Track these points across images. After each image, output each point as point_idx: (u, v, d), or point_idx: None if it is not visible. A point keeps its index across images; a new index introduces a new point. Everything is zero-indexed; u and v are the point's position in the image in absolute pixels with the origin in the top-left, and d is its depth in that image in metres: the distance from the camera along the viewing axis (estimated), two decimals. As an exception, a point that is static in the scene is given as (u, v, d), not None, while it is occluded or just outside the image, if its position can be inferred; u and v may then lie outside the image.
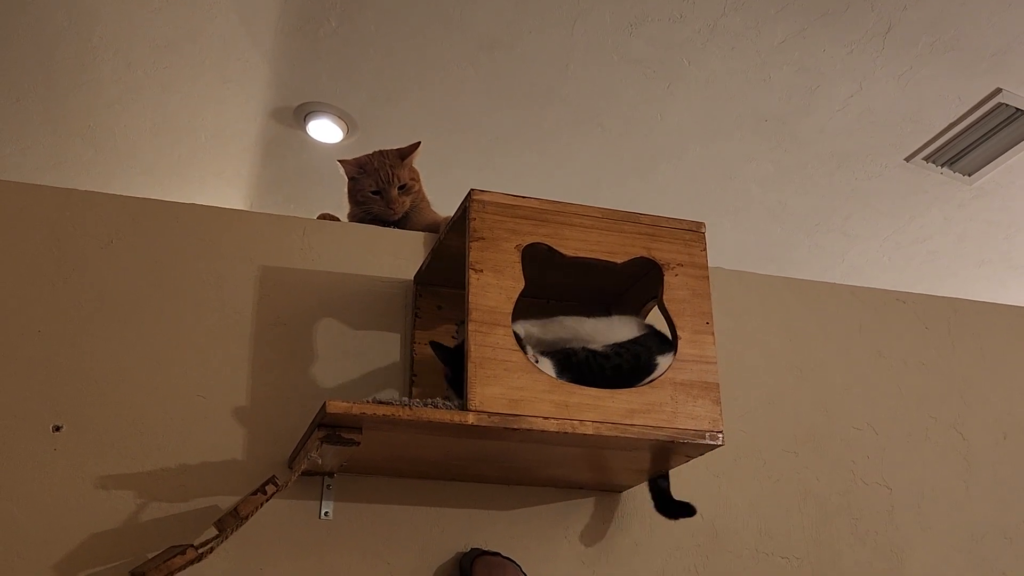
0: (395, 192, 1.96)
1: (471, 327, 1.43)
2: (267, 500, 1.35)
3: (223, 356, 1.69)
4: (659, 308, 1.57)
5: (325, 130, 3.67)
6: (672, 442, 1.47)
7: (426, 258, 1.77)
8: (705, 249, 1.62)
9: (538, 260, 1.53)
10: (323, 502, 1.63)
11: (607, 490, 1.78)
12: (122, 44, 3.19)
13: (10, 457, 1.53)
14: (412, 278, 1.83)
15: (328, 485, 1.64)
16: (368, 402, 1.36)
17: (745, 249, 3.81)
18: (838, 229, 3.90)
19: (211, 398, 1.66)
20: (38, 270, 1.67)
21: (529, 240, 1.52)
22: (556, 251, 1.53)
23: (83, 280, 1.68)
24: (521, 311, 1.49)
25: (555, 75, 3.17)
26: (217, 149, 3.77)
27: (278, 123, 3.63)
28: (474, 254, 1.48)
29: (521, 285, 1.49)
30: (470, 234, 1.49)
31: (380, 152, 1.99)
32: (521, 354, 1.45)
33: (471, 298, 1.45)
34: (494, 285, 1.47)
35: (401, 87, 3.30)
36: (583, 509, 1.77)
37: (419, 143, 1.99)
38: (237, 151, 3.76)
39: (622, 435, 1.44)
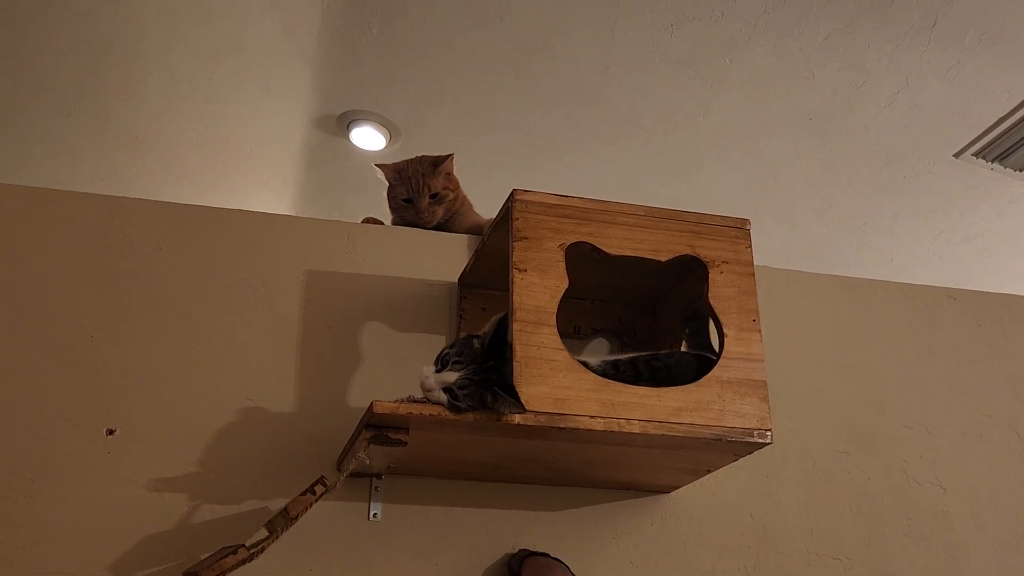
0: (426, 201, 1.96)
1: (516, 327, 1.43)
2: (316, 500, 1.36)
3: (271, 359, 1.71)
4: (705, 306, 1.56)
5: (368, 137, 3.69)
6: (720, 440, 1.45)
7: (470, 260, 1.78)
8: (751, 246, 1.60)
9: (581, 259, 1.53)
10: (372, 503, 1.64)
11: (654, 491, 1.76)
12: (167, 57, 3.24)
13: (65, 460, 1.56)
14: (456, 280, 1.83)
15: (376, 487, 1.65)
16: (415, 402, 1.37)
17: (790, 249, 3.77)
18: (886, 228, 3.84)
19: (260, 401, 1.67)
20: (90, 276, 1.70)
21: (572, 239, 1.52)
22: (600, 250, 1.53)
23: (133, 286, 1.71)
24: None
25: (595, 76, 3.16)
26: (261, 158, 3.82)
27: (321, 131, 3.67)
28: (518, 254, 1.48)
29: (565, 284, 1.48)
30: (513, 234, 1.49)
31: (416, 159, 2.00)
32: (566, 353, 1.44)
33: (515, 298, 1.45)
34: (538, 284, 1.47)
35: (442, 92, 3.31)
36: (631, 509, 1.76)
37: (451, 154, 1.99)
38: (281, 160, 3.81)
39: (669, 434, 1.43)
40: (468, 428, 1.40)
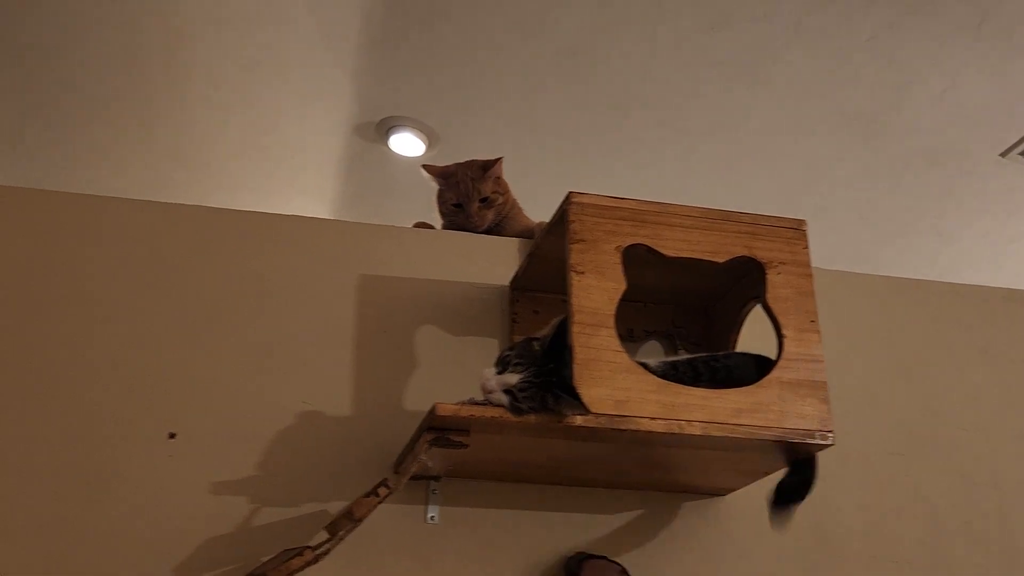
0: (476, 206, 1.97)
1: (575, 329, 1.43)
2: (380, 502, 1.37)
3: (327, 364, 1.72)
4: (762, 307, 1.55)
5: (407, 144, 3.71)
6: (781, 442, 1.45)
7: (522, 263, 1.78)
8: (807, 247, 1.59)
9: (636, 262, 1.52)
10: (429, 506, 1.64)
11: (711, 493, 1.76)
12: (210, 65, 3.28)
13: (128, 464, 1.58)
14: (508, 284, 1.84)
15: (434, 489, 1.65)
16: (476, 404, 1.37)
17: (833, 251, 3.73)
18: (930, 229, 3.81)
19: (317, 405, 1.69)
20: (146, 283, 1.72)
21: (629, 241, 1.52)
22: (656, 252, 1.53)
23: (189, 291, 1.73)
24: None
25: (637, 79, 3.16)
26: (301, 165, 3.85)
27: (361, 138, 3.69)
28: (575, 256, 1.48)
29: (623, 287, 1.48)
30: (570, 236, 1.49)
31: (465, 163, 2.00)
32: (626, 355, 1.44)
33: (574, 300, 1.45)
34: (596, 287, 1.47)
35: (482, 97, 3.32)
36: (688, 512, 1.75)
37: (500, 158, 1.99)
38: (320, 167, 3.84)
39: (729, 435, 1.42)
40: (528, 430, 1.41)
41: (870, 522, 1.80)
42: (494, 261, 1.88)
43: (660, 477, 1.66)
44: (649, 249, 1.53)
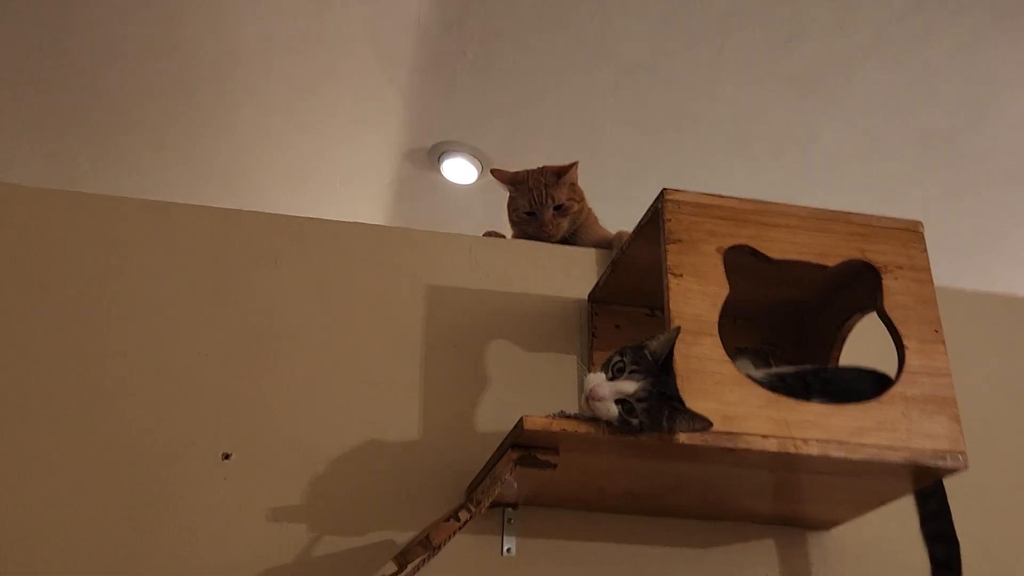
0: (549, 213, 1.84)
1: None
2: (460, 528, 1.22)
3: (393, 379, 1.59)
4: (879, 316, 1.40)
5: (459, 170, 3.61)
6: (910, 465, 1.28)
7: (603, 273, 1.64)
8: (925, 250, 1.44)
9: (730, 270, 1.38)
10: (505, 537, 1.49)
11: (815, 527, 1.59)
12: (260, 87, 3.20)
13: (181, 485, 1.45)
14: (586, 297, 1.70)
15: (510, 519, 1.50)
16: (568, 418, 1.23)
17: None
18: (1012, 254, 3.61)
19: (382, 424, 1.55)
20: (202, 292, 1.60)
21: (731, 242, 1.38)
22: (761, 254, 1.38)
23: (248, 302, 1.61)
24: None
25: (702, 97, 3.03)
26: (351, 191, 3.75)
27: (412, 164, 3.59)
28: (672, 258, 1.34)
29: (726, 291, 1.34)
30: (666, 236, 1.36)
31: (537, 169, 1.88)
32: (732, 366, 1.29)
33: (672, 305, 1.31)
34: (697, 291, 1.33)
35: (538, 119, 3.21)
36: (788, 547, 1.59)
37: (575, 163, 1.87)
38: (370, 193, 3.74)
39: (850, 456, 1.27)
40: (625, 449, 1.26)
41: (991, 560, 1.63)
42: (570, 272, 1.74)
43: (760, 506, 1.50)
44: (753, 251, 1.39)
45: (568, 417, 1.23)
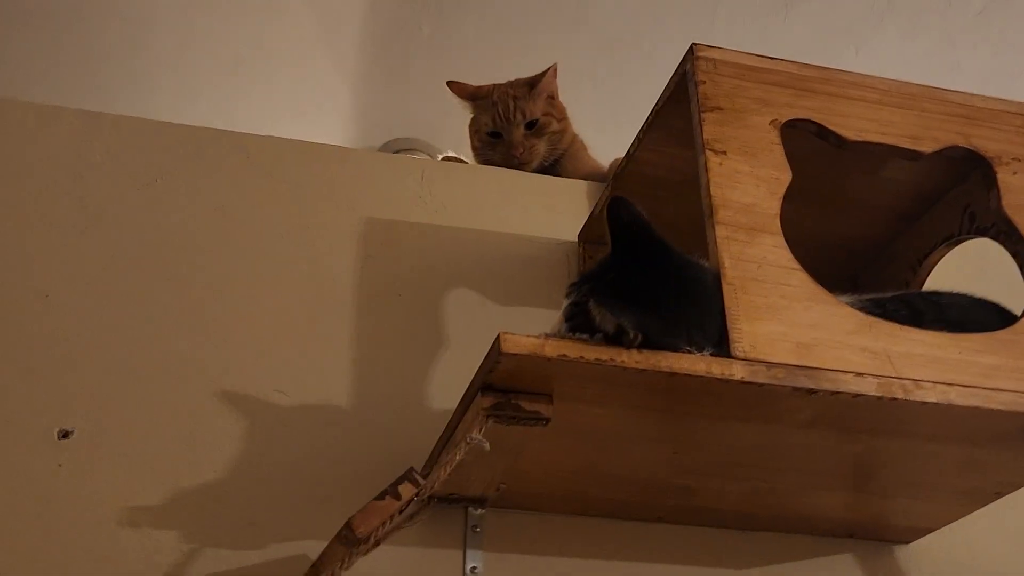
0: (520, 132, 1.42)
1: (720, 233, 0.88)
2: (402, 511, 0.78)
3: (314, 337, 1.16)
4: (994, 219, 1.01)
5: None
6: (1069, 419, 0.87)
7: (602, 195, 1.23)
8: (1048, 141, 1.05)
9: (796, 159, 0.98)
10: (468, 551, 1.05)
11: (897, 537, 1.16)
12: (178, 62, 2.77)
13: (7, 474, 0.99)
14: (576, 237, 1.29)
15: (475, 526, 1.06)
16: (573, 339, 0.80)
17: None
18: None
19: (296, 396, 1.11)
20: (48, 211, 1.16)
21: (790, 114, 0.98)
22: (832, 132, 0.98)
23: (113, 228, 1.17)
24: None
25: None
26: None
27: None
28: (710, 129, 0.94)
29: (787, 176, 0.94)
30: (700, 102, 0.96)
31: (506, 83, 1.48)
32: (805, 275, 0.88)
33: (714, 190, 0.90)
34: (747, 173, 0.92)
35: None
36: (850, 566, 1.15)
37: (552, 66, 1.47)
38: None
39: (984, 406, 0.85)
40: (654, 389, 0.83)
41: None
42: (555, 207, 1.34)
43: (831, 502, 1.07)
44: (821, 129, 0.99)
45: (569, 338, 0.81)
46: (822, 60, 2.44)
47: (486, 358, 0.80)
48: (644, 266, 0.84)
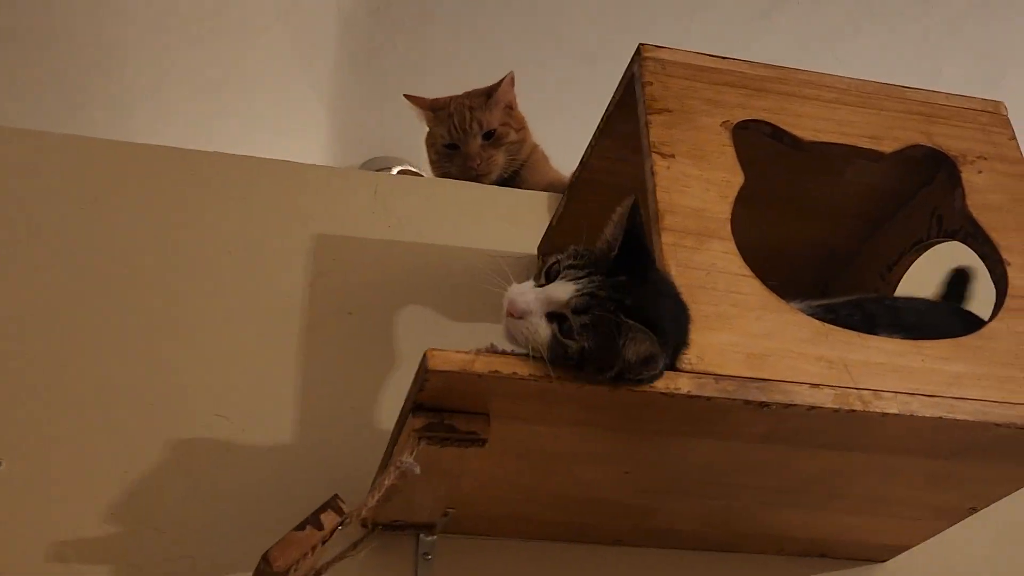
0: (477, 143, 1.38)
1: (667, 239, 0.84)
2: (324, 541, 0.73)
3: (259, 357, 1.11)
4: (959, 221, 0.96)
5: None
6: (1039, 430, 0.82)
7: (557, 209, 1.19)
8: (1015, 138, 1.02)
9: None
10: (419, 581, 1.00)
11: (869, 555, 1.11)
12: (155, 85, 2.74)
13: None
14: (535, 250, 1.24)
15: (426, 553, 1.01)
16: (500, 354, 0.75)
17: None
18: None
19: (238, 419, 1.06)
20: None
21: (742, 116, 0.94)
22: (786, 133, 0.94)
23: (51, 248, 1.13)
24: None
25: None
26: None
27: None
28: (657, 131, 0.90)
29: (739, 179, 0.90)
30: (647, 104, 0.92)
31: (462, 94, 1.44)
32: (757, 281, 0.84)
33: (660, 195, 0.86)
34: (696, 177, 0.88)
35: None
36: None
37: (509, 74, 1.44)
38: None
39: (948, 416, 0.80)
40: (596, 410, 0.79)
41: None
42: (514, 219, 1.30)
43: (794, 521, 1.02)
44: (775, 130, 0.94)
45: (503, 353, 0.76)
46: (800, 67, 2.39)
47: (417, 376, 0.76)
48: (640, 275, 0.76)
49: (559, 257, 0.78)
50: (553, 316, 0.74)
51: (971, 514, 1.00)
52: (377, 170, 3.06)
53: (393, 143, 2.97)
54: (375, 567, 0.99)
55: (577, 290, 0.74)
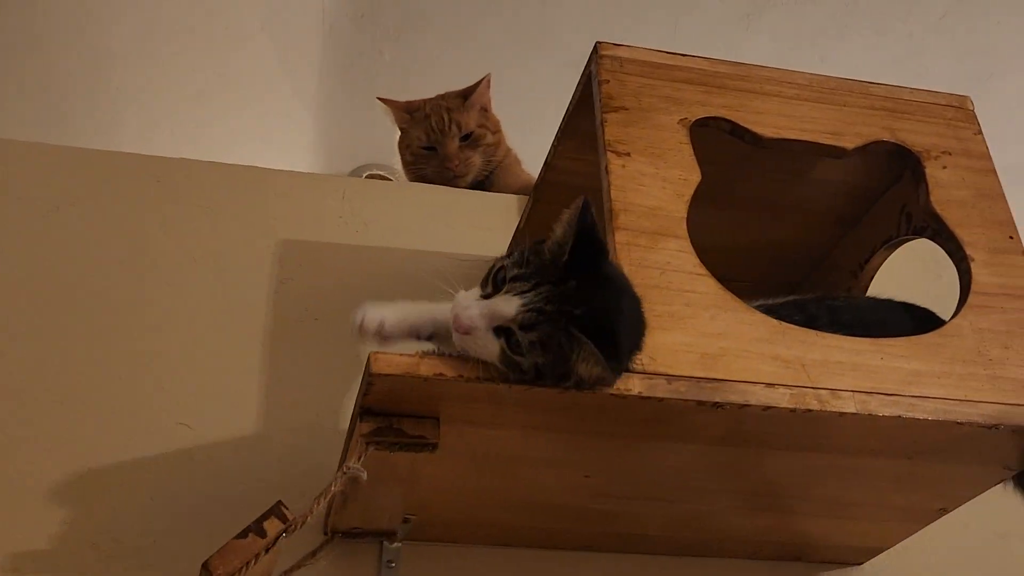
0: (454, 145, 1.38)
1: (620, 239, 0.82)
2: (269, 548, 0.72)
3: (223, 364, 1.10)
4: (924, 217, 0.95)
5: (385, 200, 3.15)
6: (997, 428, 0.80)
7: (525, 208, 1.18)
8: (981, 132, 1.00)
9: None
10: (380, 595, 0.99)
11: (840, 559, 1.09)
12: (141, 93, 2.73)
13: None
14: (505, 252, 1.23)
15: (390, 561, 0.99)
16: (452, 357, 0.74)
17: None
18: None
19: (201, 428, 1.05)
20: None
21: (701, 113, 0.93)
22: (746, 130, 0.93)
23: (11, 256, 1.12)
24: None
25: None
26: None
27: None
28: (613, 129, 0.89)
29: (696, 177, 0.88)
30: (603, 102, 0.91)
31: (438, 96, 1.44)
32: (712, 280, 0.82)
33: (615, 194, 0.85)
34: (652, 175, 0.87)
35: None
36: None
37: (486, 77, 1.43)
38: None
39: (907, 415, 0.79)
40: (549, 412, 0.77)
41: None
42: (484, 223, 1.28)
43: (757, 524, 1.01)
44: (735, 126, 0.93)
45: (449, 356, 0.75)
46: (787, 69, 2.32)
47: (361, 380, 0.75)
48: (595, 276, 0.74)
49: (505, 261, 0.76)
50: (501, 330, 0.72)
51: (941, 515, 0.98)
52: (365, 176, 3.06)
53: (380, 150, 2.96)
54: (336, 574, 0.98)
55: (523, 305, 0.72)
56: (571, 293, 0.72)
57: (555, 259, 0.74)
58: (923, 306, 0.96)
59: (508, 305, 0.73)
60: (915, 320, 0.91)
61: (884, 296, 1.01)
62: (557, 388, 0.72)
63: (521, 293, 0.73)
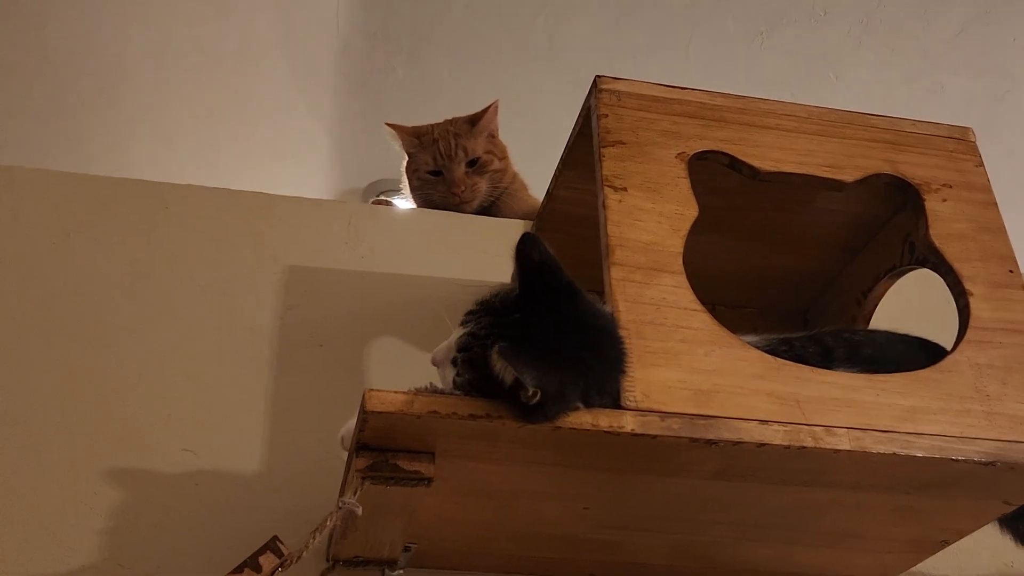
0: (461, 170, 1.39)
1: (616, 274, 0.83)
2: (262, 584, 0.73)
3: (229, 391, 1.11)
4: (924, 250, 0.95)
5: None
6: (994, 465, 0.80)
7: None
8: (982, 164, 1.00)
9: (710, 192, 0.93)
10: (382, 620, 0.99)
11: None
12: (153, 112, 2.76)
13: None
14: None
15: (391, 587, 1.00)
16: (445, 395, 0.75)
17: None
18: None
19: (206, 455, 1.06)
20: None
21: (699, 147, 0.93)
22: (744, 164, 0.93)
23: (21, 285, 1.14)
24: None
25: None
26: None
27: (346, 210, 3.15)
28: (610, 164, 0.89)
29: (693, 212, 0.89)
30: (601, 136, 0.91)
31: (445, 121, 1.45)
32: (708, 316, 0.83)
33: (611, 229, 0.85)
34: (649, 210, 0.88)
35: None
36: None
37: (494, 103, 1.44)
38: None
39: (902, 452, 0.79)
40: (541, 448, 0.78)
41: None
42: (489, 249, 1.29)
43: (758, 555, 1.01)
44: (732, 161, 0.94)
45: (441, 393, 0.76)
46: (800, 88, 2.37)
47: (358, 416, 0.76)
48: (550, 311, 0.78)
49: (477, 303, 0.80)
50: (455, 361, 0.79)
51: (943, 547, 0.98)
52: (380, 193, 3.08)
53: (394, 166, 2.97)
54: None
55: (463, 332, 0.79)
56: (510, 323, 0.78)
57: (507, 295, 0.80)
58: (936, 341, 0.96)
59: (455, 335, 0.81)
60: (929, 355, 0.91)
61: (897, 326, 1.01)
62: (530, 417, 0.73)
63: (465, 324, 0.81)
